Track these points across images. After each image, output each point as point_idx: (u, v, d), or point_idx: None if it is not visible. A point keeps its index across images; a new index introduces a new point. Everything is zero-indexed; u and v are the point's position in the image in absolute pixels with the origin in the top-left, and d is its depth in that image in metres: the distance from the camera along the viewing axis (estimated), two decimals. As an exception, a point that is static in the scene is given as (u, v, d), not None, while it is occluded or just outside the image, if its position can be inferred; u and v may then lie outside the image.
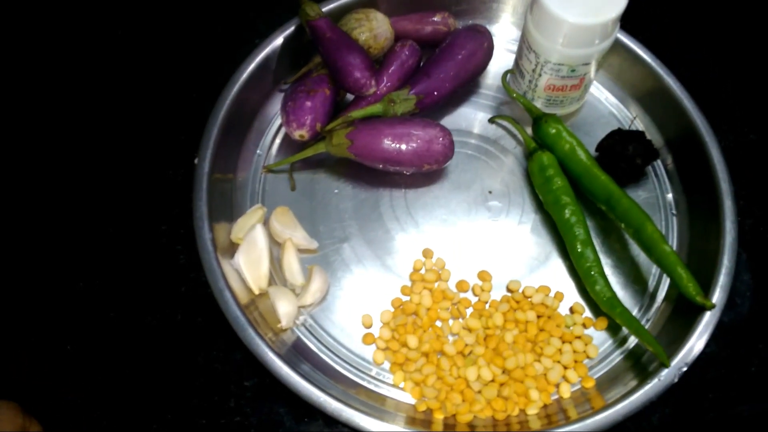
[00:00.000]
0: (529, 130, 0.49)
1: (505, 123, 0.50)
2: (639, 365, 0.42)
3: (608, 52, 0.50)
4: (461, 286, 0.44)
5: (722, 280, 0.41)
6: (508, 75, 0.49)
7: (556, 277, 0.45)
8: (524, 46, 0.46)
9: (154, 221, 0.46)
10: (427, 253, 0.45)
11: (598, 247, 0.46)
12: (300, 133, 0.46)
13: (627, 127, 0.50)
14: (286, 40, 0.50)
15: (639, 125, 0.50)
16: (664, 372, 0.38)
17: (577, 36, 0.42)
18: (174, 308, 0.43)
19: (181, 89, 0.52)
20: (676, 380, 0.38)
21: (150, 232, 0.46)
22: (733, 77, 0.54)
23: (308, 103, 0.45)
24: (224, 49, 0.54)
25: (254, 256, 0.42)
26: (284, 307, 0.41)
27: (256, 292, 0.42)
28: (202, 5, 0.57)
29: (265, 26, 0.52)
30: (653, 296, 0.45)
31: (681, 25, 0.57)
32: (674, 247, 0.46)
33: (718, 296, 0.41)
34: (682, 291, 0.40)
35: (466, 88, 0.51)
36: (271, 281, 0.43)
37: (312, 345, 0.42)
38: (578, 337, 0.42)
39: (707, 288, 0.41)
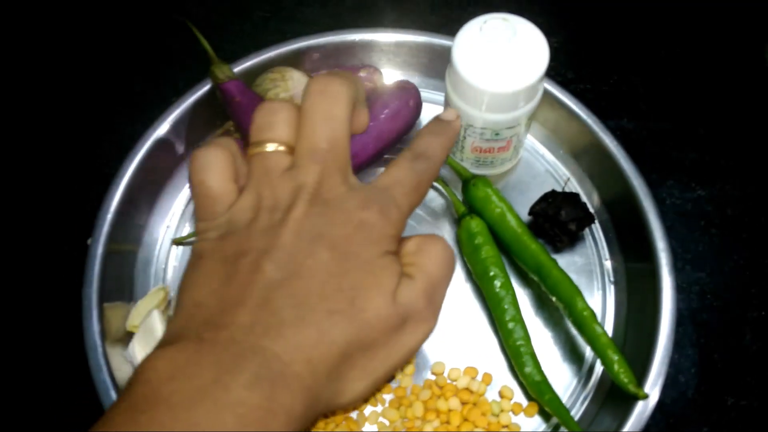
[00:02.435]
0: (460, 193, 0.46)
1: (435, 184, 0.48)
2: (574, 453, 0.38)
3: (543, 108, 0.47)
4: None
5: (657, 367, 0.38)
6: (436, 134, 0.46)
7: (486, 354, 0.42)
8: (446, 107, 0.43)
9: (47, 306, 0.43)
10: (345, 333, 0.42)
11: (533, 317, 0.43)
12: (208, 205, 0.42)
13: (562, 187, 0.47)
14: (201, 100, 0.47)
15: (575, 185, 0.47)
16: (592, 473, 0.35)
17: (499, 102, 0.39)
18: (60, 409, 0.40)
19: (88, 152, 0.49)
20: (602, 485, 0.35)
21: (41, 317, 0.43)
22: (681, 130, 0.51)
23: (216, 173, 0.42)
24: (140, 106, 0.51)
25: (150, 346, 0.38)
26: (182, 403, 0.37)
27: (152, 385, 0.38)
28: (119, 59, 0.54)
29: (185, 83, 0.49)
30: (591, 369, 0.42)
31: (625, 76, 0.54)
32: (612, 319, 0.43)
33: (652, 381, 0.38)
34: (612, 378, 0.37)
35: (394, 147, 0.48)
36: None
37: (214, 442, 0.38)
38: (505, 427, 0.39)
39: (644, 369, 0.38)
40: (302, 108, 0.26)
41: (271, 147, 0.25)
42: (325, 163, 0.25)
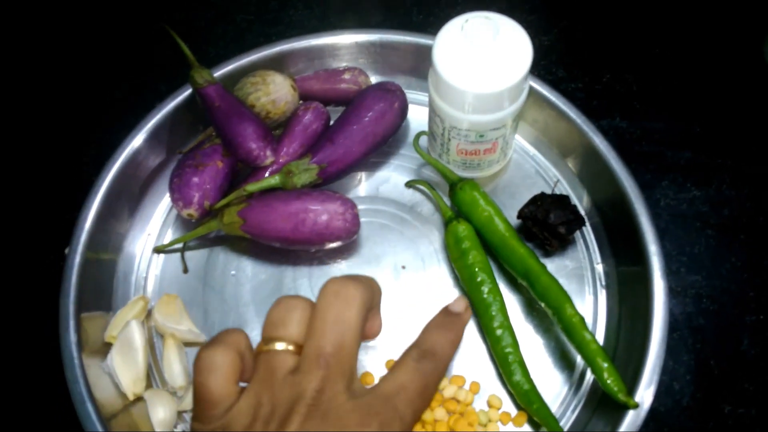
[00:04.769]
0: (447, 197, 0.45)
1: (422, 188, 0.46)
2: (564, 464, 0.37)
3: (532, 108, 0.46)
4: (365, 379, 0.40)
5: (648, 374, 0.36)
6: (422, 137, 0.45)
7: (473, 362, 0.41)
8: (431, 109, 0.42)
9: (24, 316, 0.43)
10: (329, 341, 0.41)
11: (523, 323, 0.42)
12: (188, 212, 0.42)
13: (552, 189, 0.46)
14: (182, 106, 0.46)
15: (566, 187, 0.46)
16: (580, 485, 0.34)
17: (482, 103, 0.38)
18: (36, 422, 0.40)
19: (70, 159, 0.49)
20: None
21: (18, 327, 0.42)
22: (676, 128, 0.50)
23: (195, 179, 0.41)
24: (123, 113, 0.50)
25: (129, 358, 0.37)
26: (159, 414, 0.36)
27: (131, 397, 0.37)
28: (102, 66, 0.54)
29: (168, 89, 0.48)
30: (582, 376, 0.40)
31: (619, 74, 0.53)
32: (603, 325, 0.42)
33: (644, 389, 0.36)
34: (602, 386, 0.36)
35: (381, 150, 0.47)
36: (154, 382, 0.39)
37: (193, 456, 0.38)
38: (493, 437, 0.38)
39: (636, 376, 0.37)
40: (315, 308, 0.26)
41: (280, 346, 0.25)
42: (328, 369, 0.24)
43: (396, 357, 0.40)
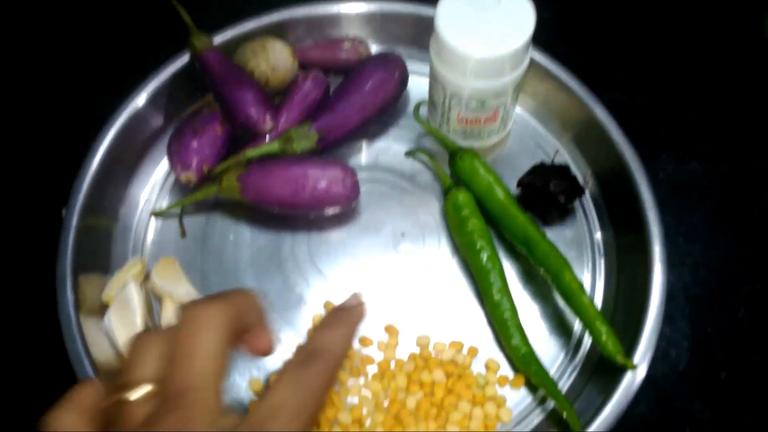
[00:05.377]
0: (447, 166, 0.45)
1: (422, 157, 0.46)
2: (562, 424, 0.37)
3: (533, 80, 0.46)
4: (364, 342, 0.40)
5: (646, 339, 0.37)
6: (422, 107, 0.45)
7: (473, 327, 0.41)
8: (432, 76, 0.42)
9: (22, 276, 0.42)
10: (328, 307, 0.41)
11: (521, 291, 0.42)
12: (186, 176, 0.41)
13: (551, 159, 0.46)
14: (182, 72, 0.46)
15: (566, 158, 0.46)
16: (577, 445, 0.34)
17: (484, 68, 0.38)
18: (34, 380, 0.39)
19: (69, 123, 0.48)
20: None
21: (16, 287, 0.42)
22: (678, 103, 0.50)
23: (194, 144, 0.41)
24: (123, 80, 0.50)
25: (126, 318, 0.37)
26: (158, 375, 0.36)
27: (128, 358, 0.37)
28: (103, 32, 0.53)
29: (167, 55, 0.48)
30: (579, 342, 0.41)
31: (621, 49, 0.53)
32: (601, 292, 0.42)
33: (641, 354, 0.36)
34: (601, 348, 0.36)
35: (381, 119, 0.47)
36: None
37: (191, 416, 0.38)
38: (491, 399, 0.38)
39: (633, 342, 0.37)
40: (172, 340, 0.23)
41: (133, 394, 0.22)
42: (187, 408, 0.21)
43: (394, 322, 0.41)
